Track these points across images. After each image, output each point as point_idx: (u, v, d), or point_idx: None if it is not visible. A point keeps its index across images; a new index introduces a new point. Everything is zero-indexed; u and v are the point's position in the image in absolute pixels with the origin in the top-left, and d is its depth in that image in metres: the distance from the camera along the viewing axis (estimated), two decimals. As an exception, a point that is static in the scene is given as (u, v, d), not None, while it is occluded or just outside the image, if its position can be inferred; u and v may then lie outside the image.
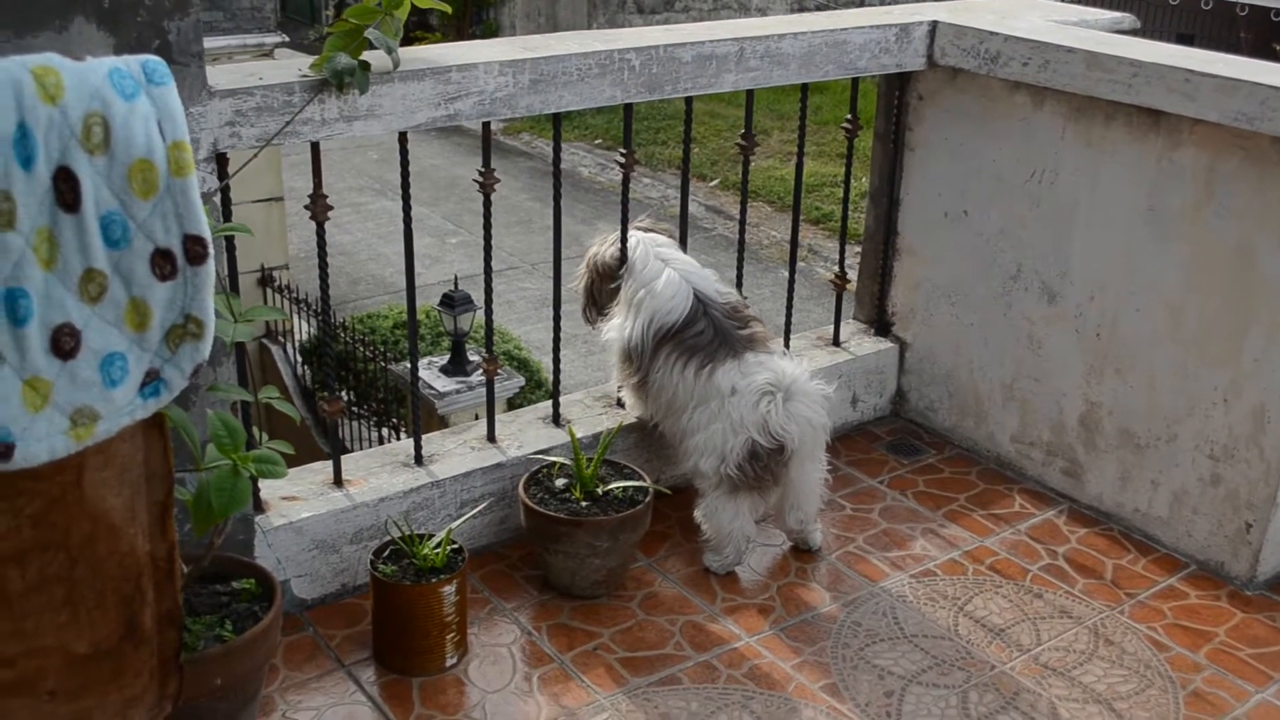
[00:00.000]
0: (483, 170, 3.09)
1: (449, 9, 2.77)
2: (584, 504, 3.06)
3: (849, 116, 3.82)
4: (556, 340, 3.47)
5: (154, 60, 1.79)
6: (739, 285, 3.65)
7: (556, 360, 3.48)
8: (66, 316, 1.73)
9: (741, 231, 3.76)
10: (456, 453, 3.26)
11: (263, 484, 2.96)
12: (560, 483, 3.14)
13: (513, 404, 9.57)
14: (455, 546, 2.84)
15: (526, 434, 3.38)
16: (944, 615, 3.07)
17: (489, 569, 3.19)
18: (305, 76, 2.63)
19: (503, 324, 11.64)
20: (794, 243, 3.88)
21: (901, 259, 3.96)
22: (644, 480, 3.15)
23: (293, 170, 12.61)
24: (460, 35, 21.56)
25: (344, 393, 10.63)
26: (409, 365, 3.23)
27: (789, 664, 2.88)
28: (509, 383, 9.88)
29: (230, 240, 2.70)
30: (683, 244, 3.45)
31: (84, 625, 1.92)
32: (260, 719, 2.63)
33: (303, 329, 11.85)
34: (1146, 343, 3.31)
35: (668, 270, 3.24)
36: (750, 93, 3.47)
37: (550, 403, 3.48)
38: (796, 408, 3.06)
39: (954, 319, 3.82)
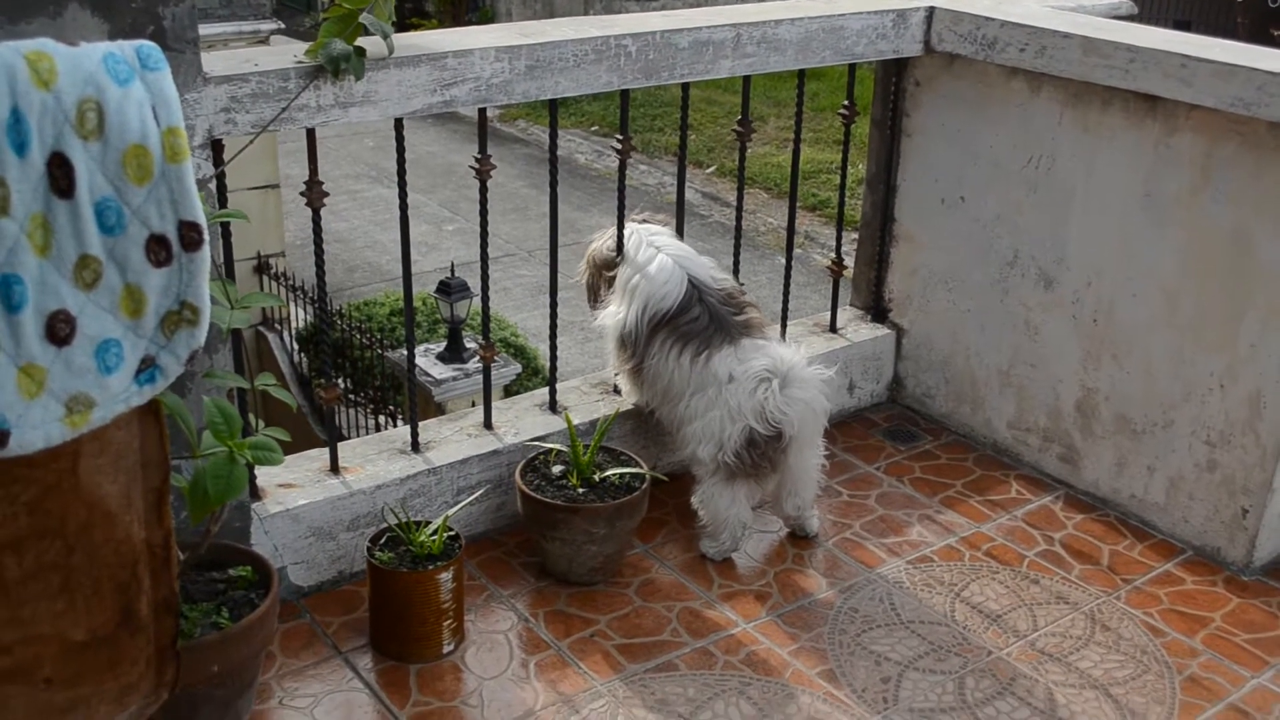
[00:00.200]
0: (479, 157, 3.08)
1: None
2: (581, 491, 3.06)
3: (846, 103, 3.81)
4: (553, 327, 3.47)
5: (148, 46, 1.78)
6: (736, 272, 3.65)
7: (553, 347, 3.48)
8: (61, 303, 1.73)
9: (738, 218, 3.76)
10: (453, 440, 3.26)
11: (259, 471, 2.95)
12: (557, 469, 3.13)
13: (509, 391, 9.57)
14: (452, 533, 2.84)
15: (523, 421, 3.38)
16: (941, 601, 3.07)
17: (486, 556, 3.20)
18: (301, 63, 2.62)
19: (499, 311, 11.64)
20: (791, 229, 3.87)
21: (898, 245, 3.96)
22: (641, 467, 3.15)
23: (289, 157, 12.59)
24: (456, 21, 21.52)
25: (340, 380, 10.62)
26: (405, 352, 3.22)
27: (786, 650, 2.88)
28: (506, 370, 9.88)
29: (226, 227, 2.70)
30: (679, 231, 3.45)
31: (80, 613, 1.92)
32: (257, 705, 2.63)
33: (299, 316, 11.84)
34: (1143, 328, 3.31)
35: (661, 256, 3.24)
36: (747, 79, 3.46)
37: (547, 389, 3.48)
38: (795, 393, 3.06)
39: (951, 305, 3.82)
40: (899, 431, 3.91)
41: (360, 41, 2.64)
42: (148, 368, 1.85)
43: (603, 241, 3.40)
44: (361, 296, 12.20)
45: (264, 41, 12.52)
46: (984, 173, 3.62)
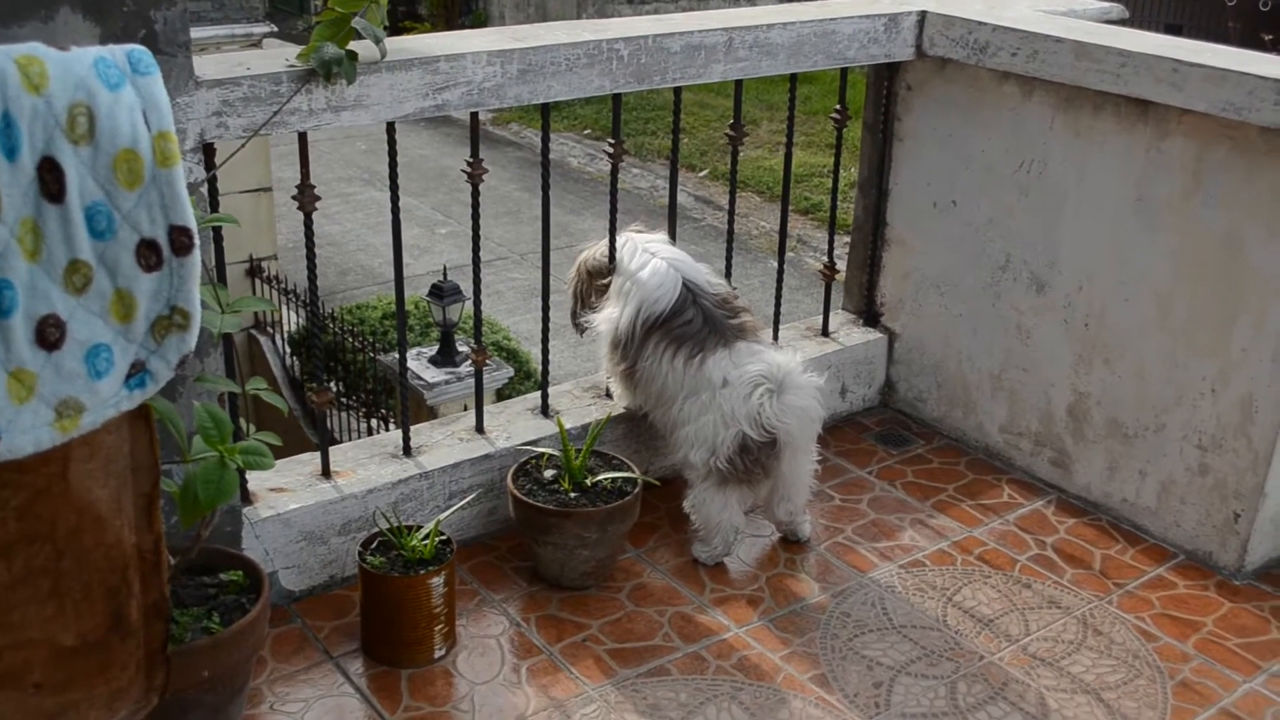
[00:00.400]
0: (471, 160, 3.08)
1: None
2: (573, 495, 3.05)
3: (838, 106, 3.81)
4: (545, 331, 3.46)
5: (139, 50, 1.78)
6: (728, 275, 3.65)
7: (545, 351, 3.48)
8: (51, 308, 1.72)
9: (730, 222, 3.76)
10: (445, 444, 3.26)
11: (250, 475, 2.95)
12: (549, 474, 3.13)
13: (502, 395, 9.57)
14: (444, 538, 2.84)
15: (515, 425, 3.37)
16: (933, 606, 3.07)
17: (477, 560, 3.19)
18: (293, 67, 2.62)
19: (491, 314, 11.64)
20: (783, 233, 3.88)
21: (890, 249, 3.96)
22: (633, 471, 3.15)
23: (281, 160, 12.60)
24: (449, 25, 21.53)
25: (332, 384, 10.62)
26: (398, 356, 3.22)
27: (778, 655, 2.88)
28: (498, 373, 9.88)
29: (218, 230, 2.69)
30: (672, 234, 3.45)
31: (70, 617, 1.91)
32: (248, 711, 2.63)
33: (291, 320, 11.83)
34: (1135, 333, 3.31)
35: (655, 260, 3.24)
36: (739, 83, 3.46)
37: (539, 394, 3.48)
38: (790, 400, 3.05)
39: (943, 309, 3.83)
40: (891, 436, 3.91)
41: (352, 45, 2.63)
42: (138, 372, 1.85)
43: (593, 250, 3.40)
44: (354, 300, 12.20)
45: (256, 45, 12.53)
46: (976, 177, 3.63)
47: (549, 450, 3.20)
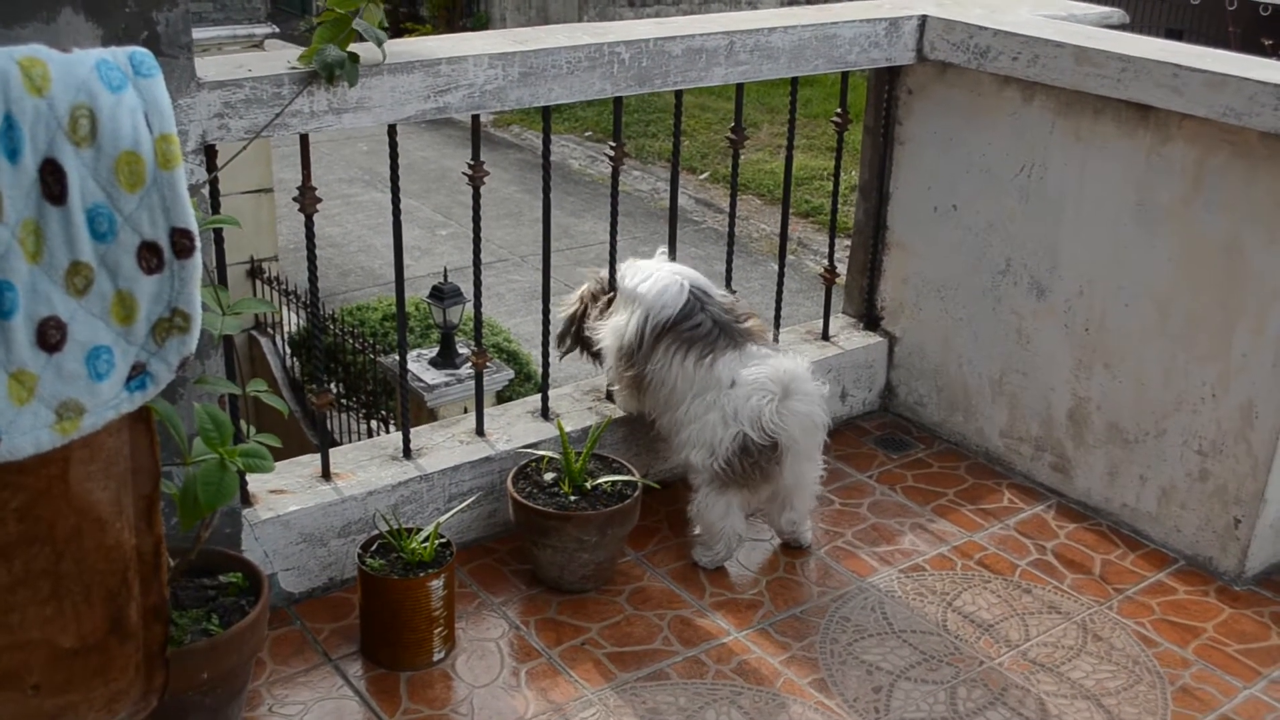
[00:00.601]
0: (472, 163, 3.08)
1: None
2: (572, 498, 3.05)
3: (839, 110, 3.82)
4: (546, 333, 3.46)
5: (141, 52, 1.78)
6: (728, 278, 3.65)
7: (546, 353, 3.48)
8: (52, 309, 1.72)
9: (731, 224, 3.76)
10: (445, 446, 3.26)
11: (250, 477, 2.95)
12: (549, 477, 3.13)
13: (502, 397, 9.57)
14: (443, 540, 2.84)
15: (515, 428, 3.37)
16: (932, 610, 3.07)
17: (477, 563, 3.19)
18: (294, 69, 2.62)
19: (492, 316, 11.63)
20: (783, 236, 3.88)
21: (891, 253, 3.96)
22: (633, 474, 3.15)
23: (282, 162, 12.60)
24: (450, 28, 21.54)
25: (333, 385, 10.61)
26: (398, 358, 3.22)
27: (777, 659, 2.88)
28: (498, 375, 9.87)
29: (219, 232, 2.69)
30: (672, 235, 3.46)
31: (70, 619, 1.91)
32: (247, 713, 2.63)
33: (292, 321, 11.82)
34: (1135, 338, 3.31)
35: (659, 271, 3.26)
36: (740, 86, 3.46)
37: (539, 396, 3.48)
38: (794, 405, 3.04)
39: (943, 313, 3.83)
40: (891, 440, 3.91)
41: (354, 47, 2.63)
42: (139, 374, 1.85)
43: (593, 280, 3.45)
44: (354, 301, 12.20)
45: (258, 46, 12.53)
46: (976, 181, 3.63)
47: (549, 453, 3.20)
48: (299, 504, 2.96)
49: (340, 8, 2.59)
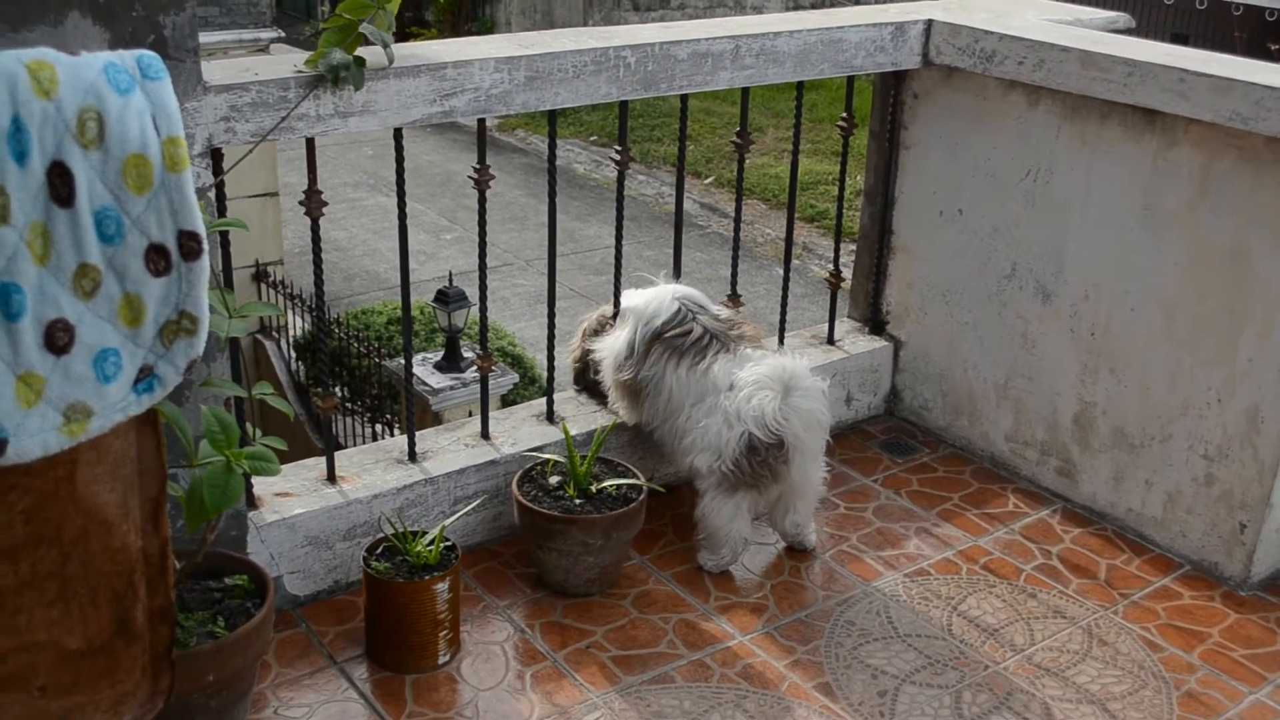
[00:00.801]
0: (478, 167, 3.08)
1: None
2: (578, 501, 3.05)
3: (844, 114, 3.82)
4: (551, 337, 3.46)
5: (149, 55, 1.79)
6: (734, 282, 3.65)
7: (551, 357, 3.48)
8: (60, 312, 1.73)
9: (736, 229, 3.76)
10: (450, 449, 3.26)
11: (256, 480, 2.95)
12: (554, 480, 3.13)
13: (507, 401, 9.57)
14: (448, 544, 2.84)
15: (520, 431, 3.38)
16: (938, 615, 3.07)
17: (482, 566, 3.19)
18: (300, 72, 2.62)
19: (497, 320, 11.64)
20: (789, 240, 3.87)
21: (896, 257, 3.96)
22: (638, 478, 3.15)
23: (288, 166, 12.60)
24: (456, 32, 21.55)
25: (338, 389, 10.62)
26: (403, 361, 3.22)
27: (782, 663, 2.88)
28: (503, 379, 9.87)
29: (225, 235, 2.70)
30: (677, 238, 3.47)
31: (76, 621, 1.92)
32: (252, 715, 2.63)
33: (297, 324, 11.83)
34: (1141, 342, 3.31)
35: (650, 288, 3.31)
36: (745, 90, 3.46)
37: (544, 400, 3.48)
38: (798, 402, 3.04)
39: (948, 318, 3.83)
40: (896, 444, 3.91)
41: (360, 51, 2.64)
42: (146, 377, 1.85)
43: (593, 316, 3.51)
44: (359, 305, 12.20)
45: (264, 50, 12.54)
46: (982, 185, 3.63)
47: (554, 456, 3.20)
48: (304, 507, 2.96)
49: (350, 14, 2.59)
